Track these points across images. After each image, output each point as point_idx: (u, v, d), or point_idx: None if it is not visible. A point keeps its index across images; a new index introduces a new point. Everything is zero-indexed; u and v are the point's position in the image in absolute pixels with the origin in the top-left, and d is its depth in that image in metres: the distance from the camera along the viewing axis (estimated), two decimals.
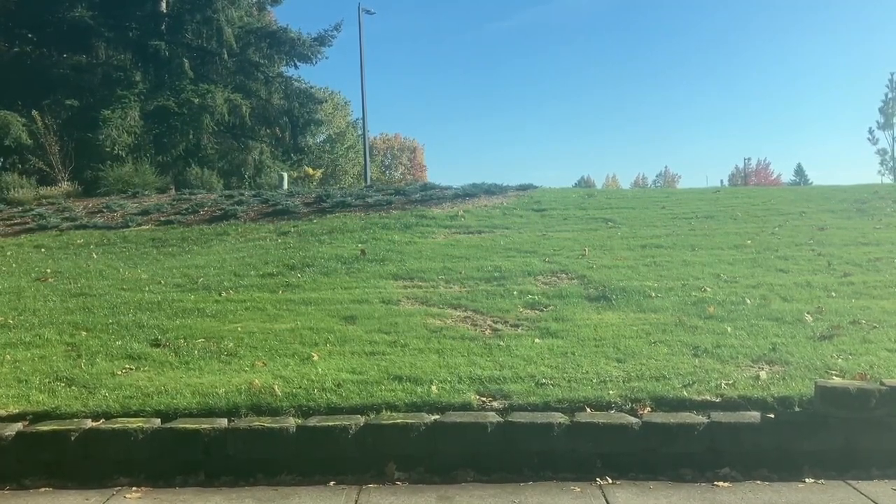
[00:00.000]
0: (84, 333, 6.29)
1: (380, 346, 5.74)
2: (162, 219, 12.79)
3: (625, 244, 9.38)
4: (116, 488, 4.26)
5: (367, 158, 32.56)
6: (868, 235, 9.40)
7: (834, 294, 6.83)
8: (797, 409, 4.54)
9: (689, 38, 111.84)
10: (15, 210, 14.31)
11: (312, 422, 4.46)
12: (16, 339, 6.16)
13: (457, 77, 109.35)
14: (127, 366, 5.46)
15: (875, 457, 4.33)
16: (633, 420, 4.42)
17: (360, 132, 43.59)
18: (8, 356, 5.71)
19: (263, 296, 7.41)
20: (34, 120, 20.06)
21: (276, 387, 4.83)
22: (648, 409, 4.57)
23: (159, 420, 4.54)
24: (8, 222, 13.23)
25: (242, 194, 14.81)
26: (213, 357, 5.61)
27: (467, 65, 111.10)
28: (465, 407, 4.61)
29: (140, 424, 4.45)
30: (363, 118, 33.58)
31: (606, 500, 4.02)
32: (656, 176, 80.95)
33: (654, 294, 6.95)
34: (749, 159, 64.11)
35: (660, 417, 4.45)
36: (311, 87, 29.76)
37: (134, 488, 4.27)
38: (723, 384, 4.80)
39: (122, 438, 4.38)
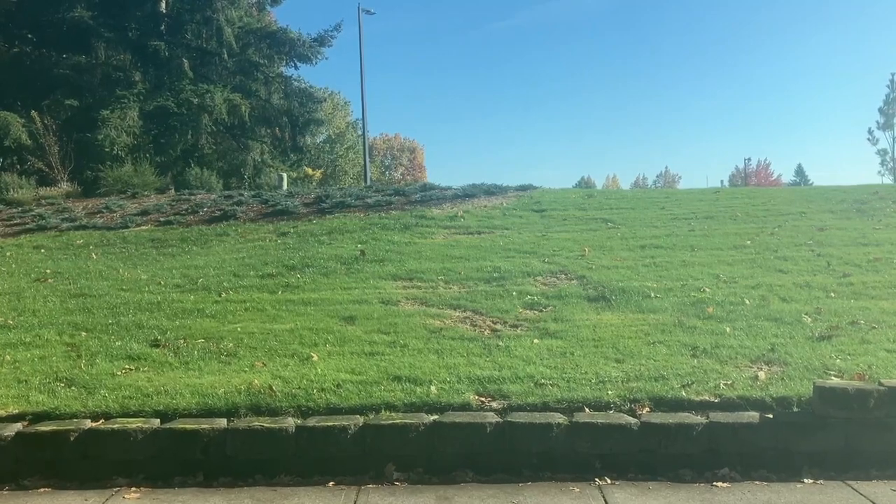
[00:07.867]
0: (84, 334, 6.30)
1: (379, 347, 5.75)
2: (161, 219, 12.77)
3: (624, 245, 9.39)
4: (115, 489, 4.27)
5: (367, 159, 32.63)
6: (868, 236, 9.40)
7: (833, 294, 6.84)
8: (796, 409, 4.55)
9: (690, 39, 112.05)
10: (14, 210, 14.28)
11: (311, 422, 4.46)
12: (16, 340, 6.17)
13: (457, 77, 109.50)
14: (126, 366, 5.46)
15: (874, 457, 4.33)
16: (632, 420, 4.42)
17: (359, 132, 43.63)
18: (8, 356, 5.71)
19: (263, 296, 7.41)
20: (34, 120, 20.05)
21: (275, 387, 4.84)
22: (647, 409, 4.58)
23: (158, 420, 4.55)
24: (7, 223, 13.21)
25: (242, 195, 14.77)
26: (212, 357, 5.61)
27: (467, 65, 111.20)
28: (464, 407, 4.62)
29: (139, 425, 4.45)
30: (363, 118, 33.71)
31: (605, 501, 4.02)
32: (656, 176, 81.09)
33: (653, 294, 6.95)
34: (749, 160, 64.15)
35: (658, 418, 4.45)
36: (311, 87, 29.78)
37: (133, 489, 4.28)
38: (721, 384, 4.80)
39: (121, 439, 4.39)
